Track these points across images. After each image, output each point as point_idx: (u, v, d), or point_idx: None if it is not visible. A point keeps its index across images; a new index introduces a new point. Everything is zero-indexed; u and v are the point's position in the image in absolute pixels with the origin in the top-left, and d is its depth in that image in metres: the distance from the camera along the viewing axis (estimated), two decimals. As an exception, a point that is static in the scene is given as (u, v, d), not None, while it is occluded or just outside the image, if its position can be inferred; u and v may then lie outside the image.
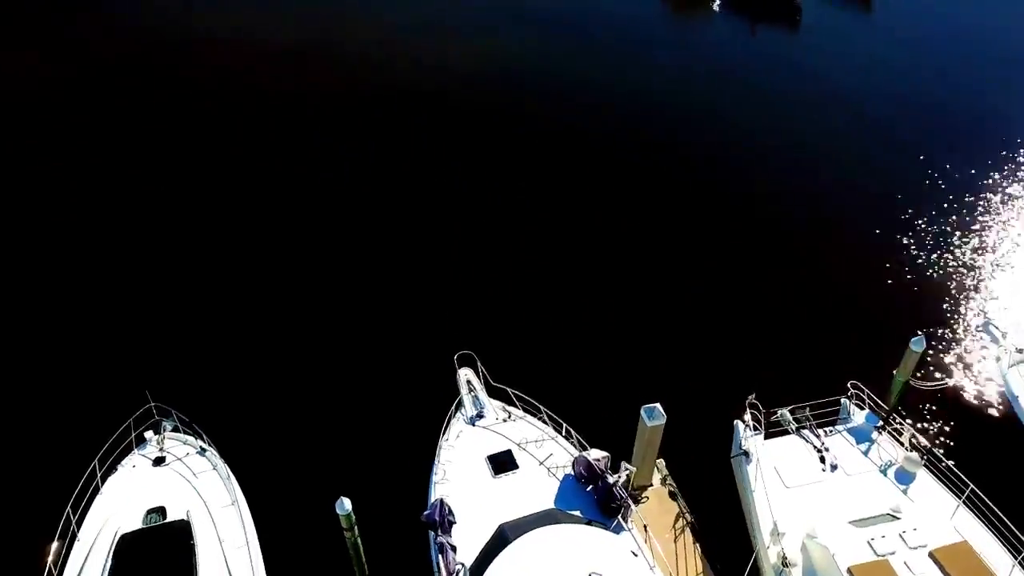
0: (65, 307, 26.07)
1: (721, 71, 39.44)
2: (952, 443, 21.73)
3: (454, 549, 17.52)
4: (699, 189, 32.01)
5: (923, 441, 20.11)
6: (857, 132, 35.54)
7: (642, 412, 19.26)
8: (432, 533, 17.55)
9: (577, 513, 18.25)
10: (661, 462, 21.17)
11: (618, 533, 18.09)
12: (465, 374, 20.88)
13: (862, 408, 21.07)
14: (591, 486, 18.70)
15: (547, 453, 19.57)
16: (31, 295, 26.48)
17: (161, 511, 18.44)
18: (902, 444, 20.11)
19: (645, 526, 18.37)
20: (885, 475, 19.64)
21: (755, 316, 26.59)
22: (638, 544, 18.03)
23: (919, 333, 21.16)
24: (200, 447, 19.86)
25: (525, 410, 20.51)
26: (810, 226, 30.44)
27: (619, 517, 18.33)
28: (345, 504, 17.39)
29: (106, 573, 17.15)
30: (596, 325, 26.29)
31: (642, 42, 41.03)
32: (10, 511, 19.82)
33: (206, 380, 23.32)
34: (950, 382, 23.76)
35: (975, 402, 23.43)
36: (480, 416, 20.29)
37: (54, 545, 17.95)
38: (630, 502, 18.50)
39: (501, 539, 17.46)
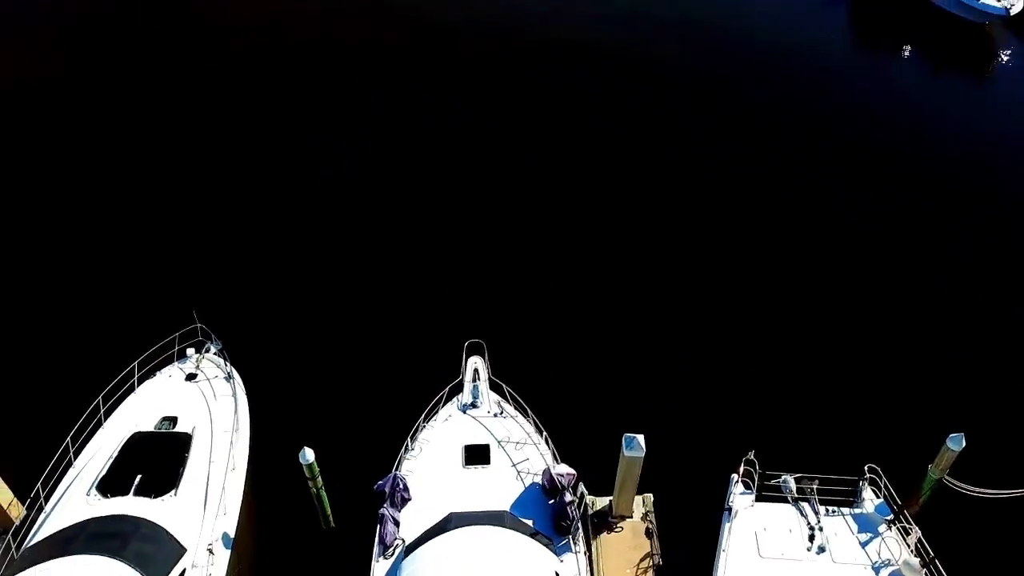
0: (143, 235, 28.95)
1: (897, 108, 36.28)
2: (967, 559, 19.28)
3: (397, 524, 18.21)
4: (801, 218, 29.97)
5: (930, 550, 18.15)
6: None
7: (623, 440, 18.87)
8: (381, 504, 18.33)
9: (529, 523, 18.30)
10: (649, 497, 20.62)
11: (560, 553, 17.99)
12: (474, 362, 21.32)
13: (878, 496, 19.33)
14: (552, 499, 18.66)
15: (523, 457, 19.68)
16: (123, 224, 29.34)
17: (173, 420, 20.50)
18: (907, 545, 18.30)
19: (590, 552, 18.10)
20: (876, 574, 18.01)
21: (793, 363, 25.06)
22: (579, 569, 17.84)
23: (960, 432, 18.99)
24: (227, 374, 21.80)
25: (517, 409, 20.68)
26: (882, 276, 28.00)
27: (568, 537, 18.21)
28: (308, 455, 18.58)
29: (111, 461, 19.45)
30: (616, 336, 25.74)
31: (820, 68, 38.52)
32: (53, 393, 22.64)
33: (249, 320, 25.31)
34: (991, 492, 20.95)
35: (1011, 521, 20.58)
36: (474, 406, 20.71)
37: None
38: (579, 524, 18.32)
39: (443, 525, 17.93)
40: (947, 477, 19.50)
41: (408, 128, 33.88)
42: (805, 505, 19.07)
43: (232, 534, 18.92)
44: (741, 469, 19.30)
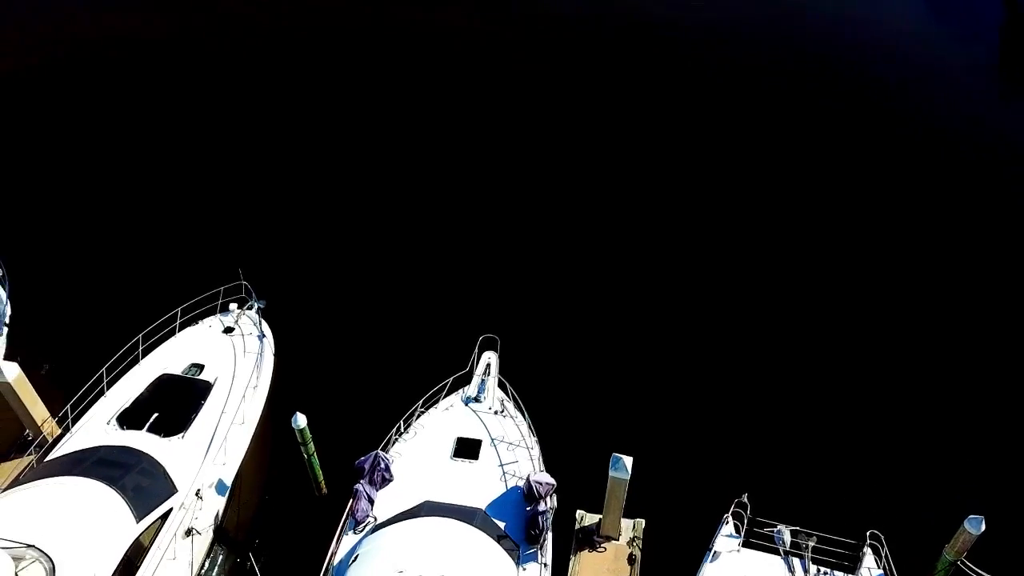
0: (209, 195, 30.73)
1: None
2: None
3: (371, 502, 18.48)
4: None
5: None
6: None
7: (611, 460, 18.34)
8: (358, 479, 18.65)
9: (500, 525, 18.15)
10: (641, 523, 19.97)
11: (525, 561, 17.74)
12: (488, 357, 21.29)
13: (878, 565, 17.87)
14: (529, 506, 18.40)
15: (513, 459, 19.50)
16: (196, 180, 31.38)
17: (200, 368, 21.64)
18: (899, 625, 16.90)
19: (545, 565, 17.72)
20: (861, 649, 16.74)
21: (812, 409, 23.63)
22: None
23: (980, 516, 17.23)
24: (261, 333, 22.76)
25: (518, 410, 20.49)
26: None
27: (537, 547, 17.93)
28: (299, 420, 19.15)
29: (135, 397, 20.79)
30: (633, 353, 25.00)
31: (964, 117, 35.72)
32: (105, 326, 24.03)
33: (290, 289, 26.13)
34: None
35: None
36: (477, 400, 20.68)
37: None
38: (548, 535, 17.98)
39: (415, 511, 18.07)
40: (964, 561, 17.80)
41: (457, 118, 34.33)
42: (796, 561, 17.90)
43: (228, 483, 19.79)
44: (731, 511, 18.35)
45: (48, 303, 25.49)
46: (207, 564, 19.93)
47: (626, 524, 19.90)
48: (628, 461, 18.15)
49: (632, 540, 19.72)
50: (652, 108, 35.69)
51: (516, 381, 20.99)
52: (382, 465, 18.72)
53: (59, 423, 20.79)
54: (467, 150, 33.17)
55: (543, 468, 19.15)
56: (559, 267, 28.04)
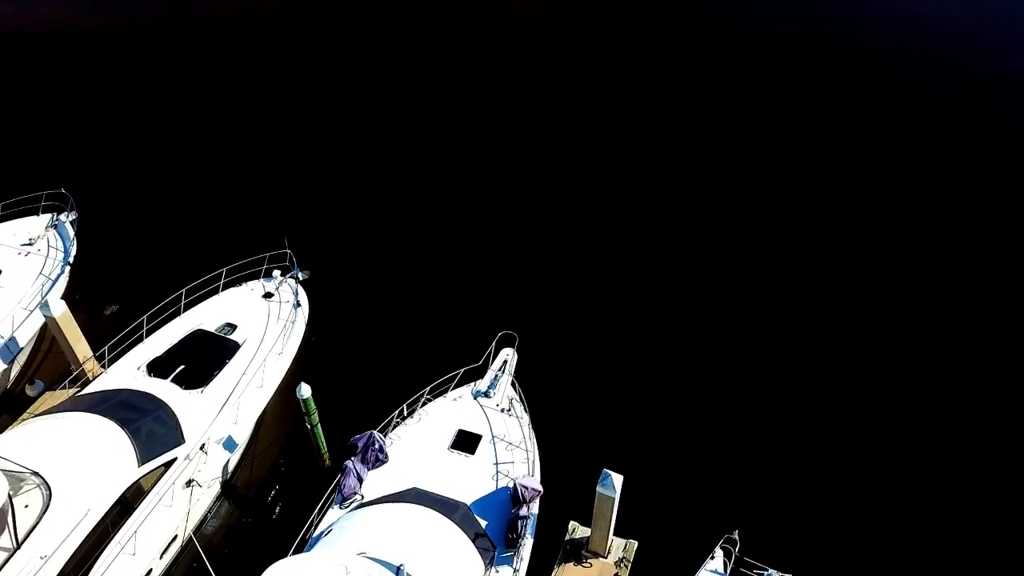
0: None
1: None
2: None
3: (360, 479, 18.68)
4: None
5: None
6: None
7: (600, 475, 17.86)
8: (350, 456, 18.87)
9: (482, 523, 18.02)
10: (633, 544, 19.38)
11: (499, 563, 17.55)
12: (506, 354, 21.11)
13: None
14: (513, 509, 18.17)
15: (509, 459, 19.29)
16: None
17: (233, 328, 22.41)
18: None
19: (517, 571, 17.42)
20: None
21: (835, 459, 22.12)
22: None
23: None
24: (297, 302, 23.35)
25: (526, 411, 20.23)
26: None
27: (514, 551, 17.70)
28: (304, 390, 19.53)
29: (168, 346, 21.75)
30: (652, 369, 24.18)
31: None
32: (156, 277, 25.14)
33: (333, 263, 26.63)
34: None
35: None
36: (486, 395, 20.54)
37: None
38: (526, 542, 17.70)
39: (400, 496, 18.17)
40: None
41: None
42: (783, 610, 16.98)
43: (238, 442, 20.46)
44: (720, 545, 17.55)
45: (109, 248, 26.99)
46: (209, 516, 20.69)
47: (619, 543, 19.37)
48: (617, 479, 17.63)
49: (621, 560, 19.17)
50: (685, 107, 34.60)
51: (529, 382, 20.75)
52: (376, 445, 18.89)
53: (100, 362, 22.03)
54: (522, 142, 32.91)
55: (537, 473, 18.87)
56: (588, 272, 27.45)
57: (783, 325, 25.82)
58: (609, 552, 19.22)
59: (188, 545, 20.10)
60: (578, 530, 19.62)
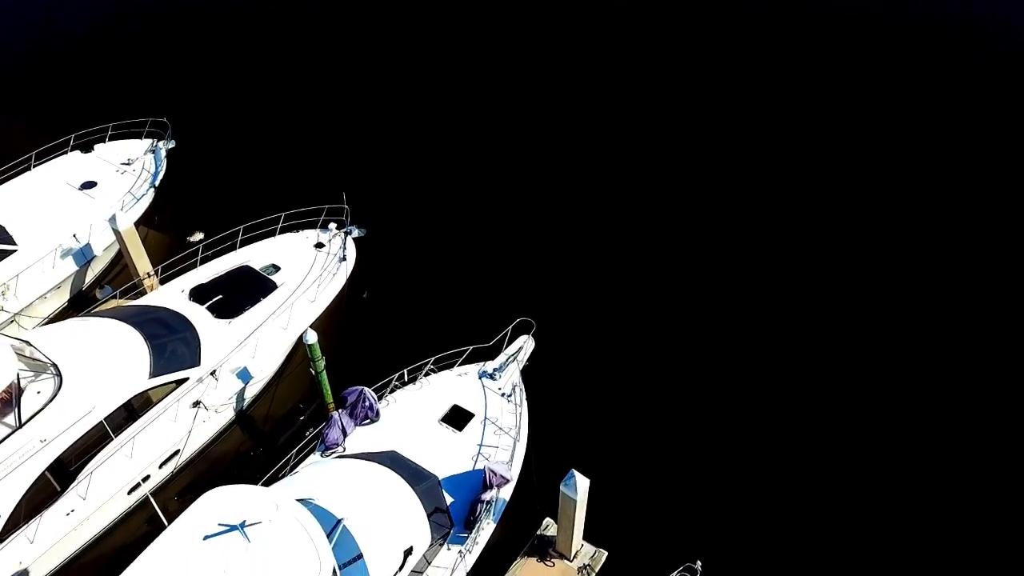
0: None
1: None
2: None
3: (344, 432, 19.06)
4: None
5: None
6: None
7: (566, 475, 17.40)
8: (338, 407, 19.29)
9: (448, 499, 18.01)
10: (603, 554, 18.82)
11: (451, 542, 17.52)
12: (522, 341, 20.86)
13: None
14: (481, 492, 18.03)
15: (495, 444, 19.13)
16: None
17: (276, 269, 23.31)
18: None
19: (465, 552, 17.26)
20: None
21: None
22: (452, 565, 17.27)
23: None
24: (343, 256, 23.99)
25: (526, 400, 19.99)
26: None
27: (470, 534, 17.59)
28: (310, 336, 20.10)
29: (214, 276, 22.93)
30: (674, 386, 22.96)
31: None
32: (220, 211, 26.61)
33: (386, 224, 27.18)
34: None
35: None
36: (491, 377, 20.40)
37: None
38: (482, 527, 17.54)
39: (377, 456, 18.44)
40: None
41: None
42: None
43: (252, 375, 21.28)
44: (679, 572, 16.75)
45: (192, 180, 28.56)
46: (216, 440, 21.76)
47: (588, 550, 18.86)
48: (583, 482, 17.11)
49: (584, 568, 18.64)
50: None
51: (537, 373, 20.44)
52: (366, 403, 19.19)
53: (154, 279, 23.62)
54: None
55: (517, 464, 18.66)
56: (616, 270, 26.36)
57: (790, 330, 24.52)
58: (576, 557, 18.74)
59: (190, 463, 21.26)
60: (551, 528, 19.24)
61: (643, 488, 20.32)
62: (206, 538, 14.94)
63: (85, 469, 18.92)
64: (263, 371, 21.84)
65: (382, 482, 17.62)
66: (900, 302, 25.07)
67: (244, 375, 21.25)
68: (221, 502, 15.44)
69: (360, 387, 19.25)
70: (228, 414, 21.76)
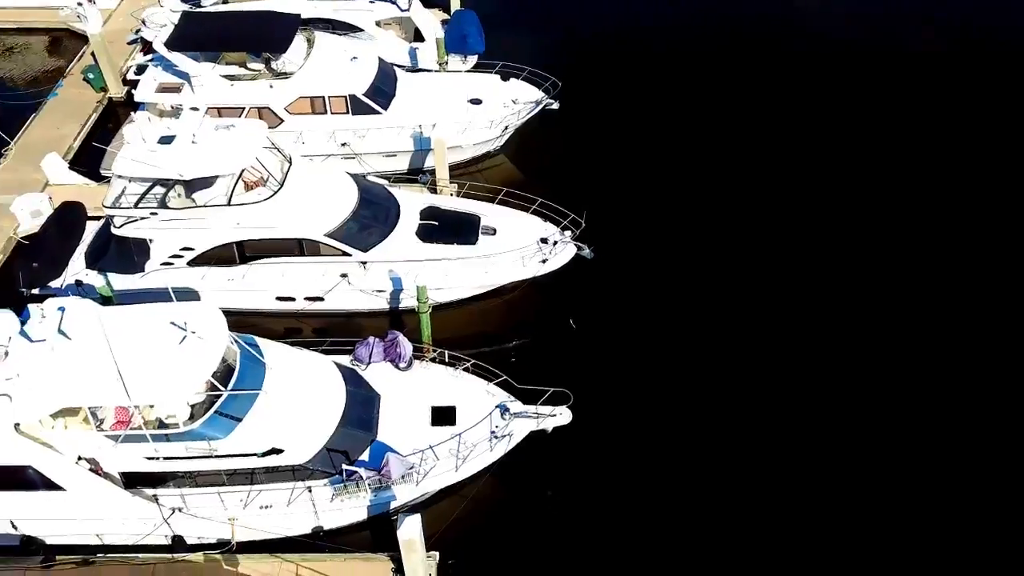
0: None
1: None
2: None
3: (370, 357, 21.87)
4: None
5: None
6: None
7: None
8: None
9: (358, 455, 20.06)
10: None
11: (315, 480, 19.66)
12: (556, 411, 20.99)
13: None
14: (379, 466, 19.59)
15: (470, 448, 20.29)
16: None
17: (491, 232, 25.88)
18: None
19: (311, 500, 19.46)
20: None
21: None
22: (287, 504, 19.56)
23: None
24: (548, 258, 25.47)
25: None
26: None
27: (336, 491, 19.55)
28: (420, 279, 22.92)
29: (450, 208, 26.71)
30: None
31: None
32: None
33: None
34: None
35: None
36: (503, 414, 21.01)
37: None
38: (347, 496, 19.52)
39: (362, 383, 21.36)
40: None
41: None
42: None
43: (404, 287, 24.93)
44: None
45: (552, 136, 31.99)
46: (343, 315, 25.61)
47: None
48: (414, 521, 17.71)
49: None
50: None
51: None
52: (398, 350, 21.54)
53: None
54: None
55: (428, 481, 19.85)
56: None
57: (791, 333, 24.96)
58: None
59: (309, 312, 25.76)
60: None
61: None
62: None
63: (256, 262, 24.97)
64: (414, 294, 24.19)
65: (325, 374, 20.71)
66: (900, 302, 25.64)
67: (397, 281, 24.84)
68: None
69: (398, 333, 21.73)
70: (363, 300, 25.43)
